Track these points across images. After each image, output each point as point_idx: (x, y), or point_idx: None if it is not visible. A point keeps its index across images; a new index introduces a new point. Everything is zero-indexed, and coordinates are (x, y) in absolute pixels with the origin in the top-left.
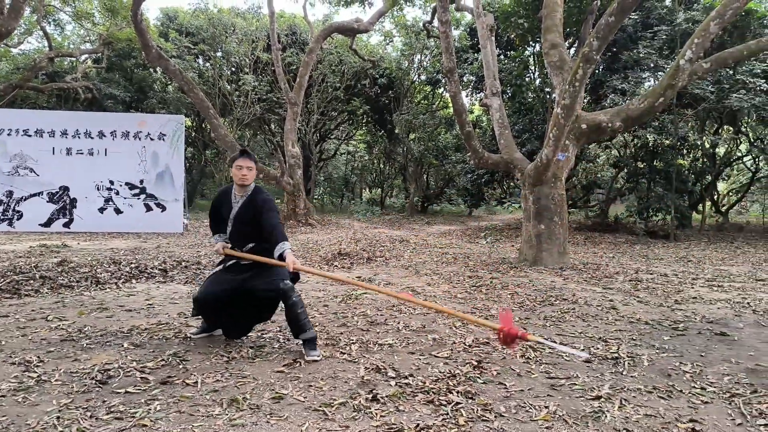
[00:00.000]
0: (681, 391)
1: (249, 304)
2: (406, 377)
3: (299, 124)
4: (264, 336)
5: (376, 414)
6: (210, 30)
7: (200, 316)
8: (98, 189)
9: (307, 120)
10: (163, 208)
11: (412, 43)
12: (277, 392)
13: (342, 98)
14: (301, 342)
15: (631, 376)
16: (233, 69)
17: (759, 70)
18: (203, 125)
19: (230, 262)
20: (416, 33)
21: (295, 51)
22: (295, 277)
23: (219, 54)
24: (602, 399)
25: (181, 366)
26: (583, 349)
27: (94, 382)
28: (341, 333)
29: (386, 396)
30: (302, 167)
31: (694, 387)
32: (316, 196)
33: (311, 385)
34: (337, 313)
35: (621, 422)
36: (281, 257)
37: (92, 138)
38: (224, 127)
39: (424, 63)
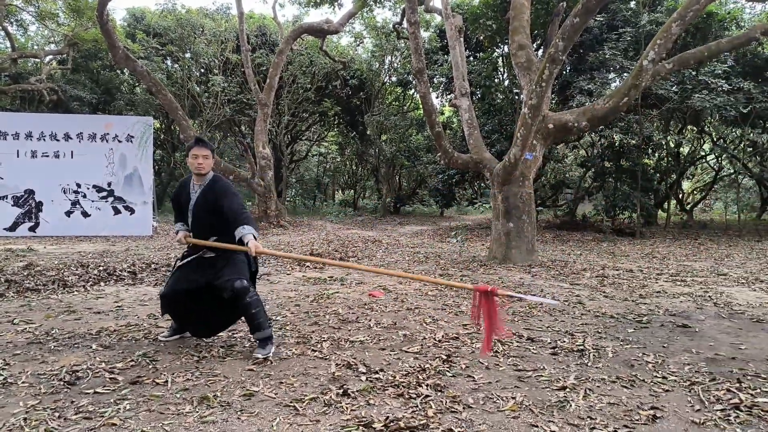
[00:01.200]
0: (643, 380)
1: (216, 301)
2: (376, 372)
3: (270, 125)
4: (235, 335)
5: (347, 408)
6: (178, 31)
7: (169, 316)
8: (65, 192)
9: (277, 121)
10: (132, 211)
11: (382, 45)
12: (248, 389)
13: (313, 99)
14: (255, 340)
15: (596, 367)
16: (202, 70)
17: (720, 71)
18: (172, 127)
19: (192, 256)
20: (386, 34)
21: (265, 52)
22: (254, 273)
23: (188, 55)
24: (567, 389)
25: (150, 366)
26: (553, 298)
27: (62, 383)
28: (313, 331)
29: (357, 390)
30: (273, 169)
31: (656, 376)
32: (288, 198)
33: (282, 382)
34: (308, 312)
35: (585, 411)
36: (241, 242)
37: (58, 140)
38: (193, 128)
39: (395, 64)
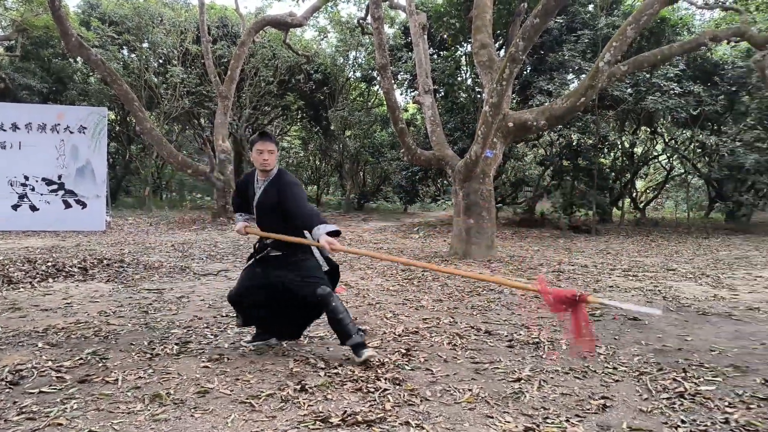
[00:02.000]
0: (595, 371)
1: (291, 302)
2: (335, 367)
3: (230, 118)
4: (190, 332)
5: (304, 403)
6: (135, 20)
7: (247, 322)
8: (11, 185)
9: (238, 114)
10: (84, 205)
11: (346, 40)
12: (202, 387)
13: (275, 93)
14: (349, 348)
15: (550, 359)
16: (160, 60)
17: (672, 74)
18: (128, 118)
19: (259, 256)
20: (351, 29)
21: (227, 43)
22: (334, 275)
23: (145, 45)
24: (522, 381)
25: (100, 364)
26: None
27: (4, 383)
28: None
29: (315, 386)
30: (234, 163)
31: (607, 367)
32: None
33: (238, 379)
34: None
35: (539, 401)
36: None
37: (5, 130)
38: (150, 120)
39: (359, 59)
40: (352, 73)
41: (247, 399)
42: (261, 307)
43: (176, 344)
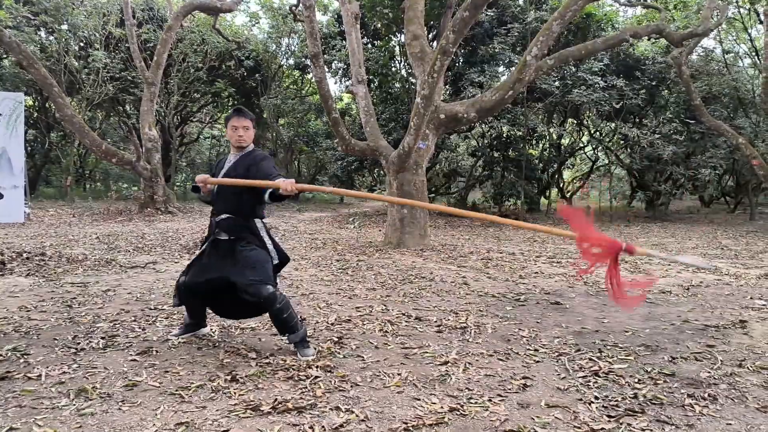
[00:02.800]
0: (517, 353)
1: (235, 298)
2: (266, 357)
3: (158, 105)
4: (117, 326)
5: (235, 393)
6: (53, 0)
7: (183, 308)
8: None
9: (166, 101)
10: (0, 196)
11: (279, 26)
12: (130, 380)
13: (205, 79)
14: (290, 343)
15: (476, 343)
16: (81, 44)
17: (597, 69)
18: (47, 104)
19: (210, 240)
20: (283, 16)
21: (153, 27)
22: (280, 262)
23: (64, 27)
24: (449, 364)
25: (22, 360)
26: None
27: None
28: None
29: (246, 376)
30: (161, 151)
31: (528, 349)
32: (177, 183)
33: (168, 371)
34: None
35: (464, 383)
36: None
37: None
38: (71, 107)
39: (292, 47)
40: (285, 60)
41: (176, 391)
42: (207, 293)
43: (102, 338)
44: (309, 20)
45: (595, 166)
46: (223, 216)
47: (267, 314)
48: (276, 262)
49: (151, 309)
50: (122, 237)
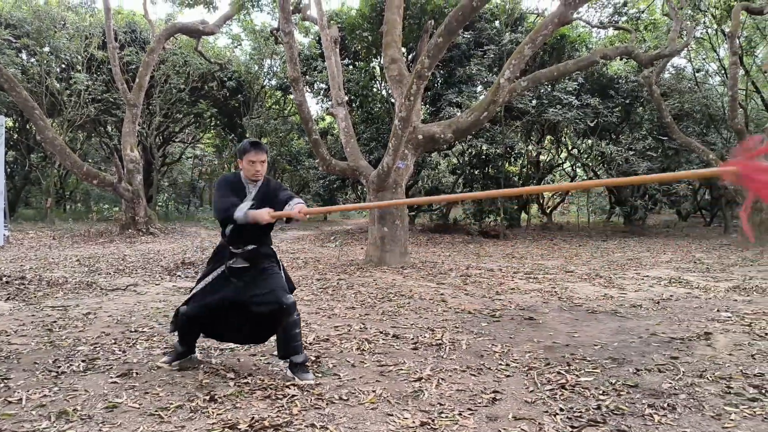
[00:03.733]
0: (489, 368)
1: (243, 319)
2: (245, 378)
3: (140, 126)
4: (98, 349)
5: (213, 413)
6: (35, 23)
7: (180, 335)
8: None
9: (148, 122)
10: None
11: (261, 48)
12: (110, 402)
13: (187, 100)
14: (287, 364)
15: (450, 359)
16: (63, 66)
17: (571, 88)
18: (28, 126)
19: (218, 272)
20: (265, 38)
21: (135, 50)
22: (290, 286)
23: (46, 49)
24: (423, 380)
25: (2, 384)
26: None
27: None
28: None
29: (224, 395)
30: (143, 172)
31: (500, 364)
32: (159, 203)
33: (147, 393)
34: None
35: (436, 398)
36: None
37: None
38: (52, 129)
39: (274, 68)
40: (267, 81)
41: (156, 411)
42: (210, 321)
43: (83, 361)
44: (288, 46)
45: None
46: (249, 247)
47: (270, 336)
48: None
49: (131, 331)
50: (103, 259)
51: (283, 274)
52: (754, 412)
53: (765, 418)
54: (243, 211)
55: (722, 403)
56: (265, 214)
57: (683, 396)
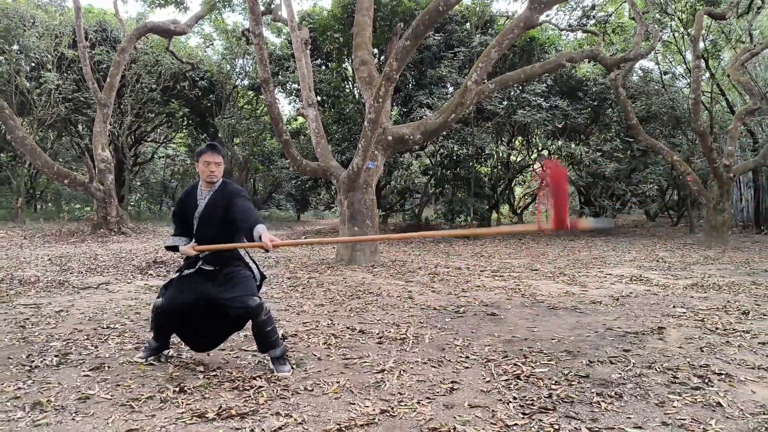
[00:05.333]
0: (450, 360)
1: (215, 316)
2: (214, 370)
3: (111, 126)
4: (70, 344)
5: (182, 403)
6: (4, 21)
7: (155, 331)
8: None
9: (120, 122)
10: None
11: (232, 48)
12: (83, 393)
13: (159, 100)
14: (268, 358)
15: (413, 352)
16: (33, 65)
17: (540, 90)
18: None
19: (190, 270)
20: (237, 38)
21: (106, 49)
22: (259, 286)
23: (15, 48)
24: (385, 371)
25: None
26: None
27: None
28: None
29: (193, 387)
30: (115, 172)
31: (460, 357)
32: (131, 203)
33: (119, 385)
34: (149, 319)
35: (397, 388)
36: (252, 239)
37: None
38: (22, 128)
39: (247, 68)
40: (239, 80)
41: (127, 402)
42: (185, 317)
43: (56, 356)
44: (259, 47)
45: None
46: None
47: (242, 327)
48: (258, 282)
49: (103, 328)
50: (75, 258)
51: (254, 275)
52: (695, 399)
53: (705, 405)
54: (176, 244)
55: (667, 391)
56: (189, 249)
57: (631, 385)
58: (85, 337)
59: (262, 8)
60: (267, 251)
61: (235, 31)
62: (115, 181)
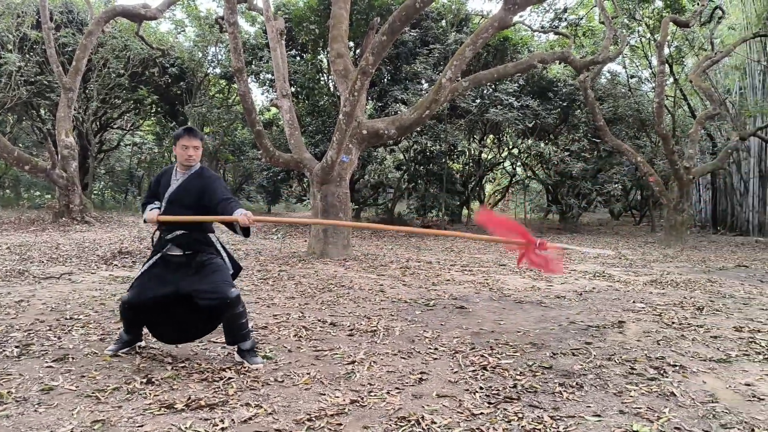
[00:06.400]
0: (419, 352)
1: (188, 311)
2: (182, 362)
3: (75, 111)
4: (32, 335)
5: (150, 394)
6: None
7: (125, 324)
8: None
9: (85, 107)
10: None
11: (205, 35)
12: (46, 384)
13: (127, 86)
14: (235, 350)
15: (383, 344)
16: None
17: (512, 90)
18: None
19: (156, 257)
20: (210, 25)
21: (72, 31)
22: (235, 271)
23: None
24: (356, 363)
25: None
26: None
27: None
28: (119, 327)
29: (161, 378)
30: (78, 159)
31: (429, 348)
32: (95, 191)
33: (84, 376)
34: (114, 310)
35: (367, 379)
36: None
37: None
38: None
39: (219, 56)
40: (211, 69)
41: (92, 393)
42: (155, 313)
43: (16, 347)
44: (233, 37)
45: (513, 180)
46: (178, 232)
47: (217, 326)
48: (232, 272)
49: (67, 319)
50: (35, 247)
51: (227, 265)
52: (651, 389)
53: (659, 394)
54: (146, 212)
55: (624, 382)
56: (153, 215)
57: (591, 376)
58: (48, 327)
59: None
60: (246, 236)
61: (208, 18)
62: (79, 168)
